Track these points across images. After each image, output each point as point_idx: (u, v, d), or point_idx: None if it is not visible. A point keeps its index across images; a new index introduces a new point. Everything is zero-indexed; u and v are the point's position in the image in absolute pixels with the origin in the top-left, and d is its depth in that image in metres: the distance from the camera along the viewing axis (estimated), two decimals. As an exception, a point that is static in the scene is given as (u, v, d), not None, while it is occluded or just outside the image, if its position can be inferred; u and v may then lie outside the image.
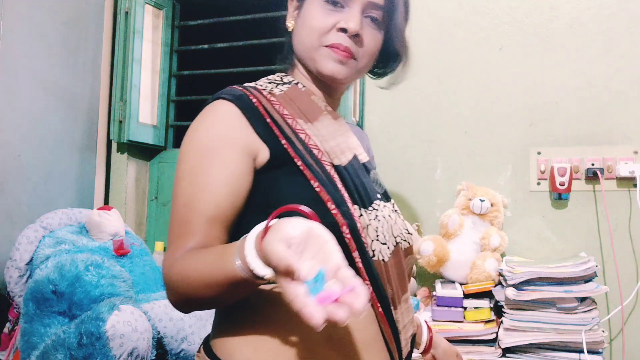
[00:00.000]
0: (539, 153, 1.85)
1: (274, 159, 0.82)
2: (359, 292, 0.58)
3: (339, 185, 0.83)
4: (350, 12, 0.88)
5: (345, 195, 0.83)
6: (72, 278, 1.50)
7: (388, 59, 0.98)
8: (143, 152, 2.39)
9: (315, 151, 0.84)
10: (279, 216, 0.66)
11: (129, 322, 1.40)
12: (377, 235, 0.85)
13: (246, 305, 0.80)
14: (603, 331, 1.44)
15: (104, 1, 2.30)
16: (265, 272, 0.64)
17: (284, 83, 0.93)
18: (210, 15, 2.45)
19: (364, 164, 0.92)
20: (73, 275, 1.50)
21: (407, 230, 0.94)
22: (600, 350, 1.44)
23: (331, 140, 0.88)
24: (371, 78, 1.03)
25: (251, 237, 0.66)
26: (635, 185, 1.74)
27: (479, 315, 1.55)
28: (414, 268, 1.84)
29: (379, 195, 0.91)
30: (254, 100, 0.85)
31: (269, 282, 0.67)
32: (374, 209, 0.87)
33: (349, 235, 0.80)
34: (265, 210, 0.70)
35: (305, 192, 0.80)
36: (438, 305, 1.59)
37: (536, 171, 1.84)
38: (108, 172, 2.31)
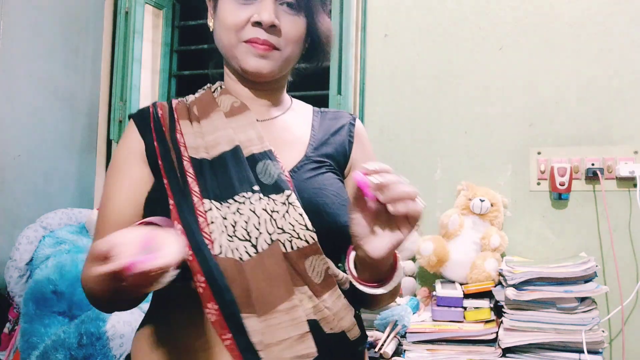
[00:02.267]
0: (539, 153, 1.85)
1: (150, 162, 0.88)
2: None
3: (190, 179, 0.83)
4: (263, 4, 0.86)
5: (195, 188, 0.82)
6: (72, 278, 1.50)
7: (318, 42, 0.95)
8: (143, 152, 2.39)
9: (181, 148, 0.86)
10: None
11: (129, 322, 1.40)
12: (235, 231, 0.80)
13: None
14: (603, 331, 1.44)
15: (104, 1, 2.30)
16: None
17: (205, 89, 0.97)
18: (210, 15, 2.45)
19: (252, 155, 0.86)
20: (73, 275, 1.51)
21: (305, 226, 0.82)
22: (600, 350, 1.44)
23: (209, 135, 0.87)
24: (307, 65, 1.00)
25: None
26: (635, 185, 1.73)
27: (479, 315, 1.55)
28: (414, 268, 1.84)
29: (255, 188, 0.83)
30: (151, 110, 0.92)
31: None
32: (238, 202, 0.82)
33: (180, 230, 0.78)
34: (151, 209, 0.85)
35: (160, 189, 0.84)
36: (438, 305, 1.59)
37: (536, 171, 1.84)
38: (108, 172, 2.31)
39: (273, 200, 0.82)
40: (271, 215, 0.81)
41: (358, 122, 1.03)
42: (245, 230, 0.80)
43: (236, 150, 0.86)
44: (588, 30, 1.83)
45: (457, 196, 1.83)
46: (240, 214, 0.81)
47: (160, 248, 0.63)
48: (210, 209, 0.81)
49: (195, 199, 0.81)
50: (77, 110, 2.20)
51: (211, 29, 0.95)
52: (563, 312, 1.45)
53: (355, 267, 0.84)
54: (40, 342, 1.47)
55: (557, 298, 1.46)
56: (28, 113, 1.97)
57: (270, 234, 0.81)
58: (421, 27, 2.00)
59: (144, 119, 0.91)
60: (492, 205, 1.75)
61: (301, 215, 0.82)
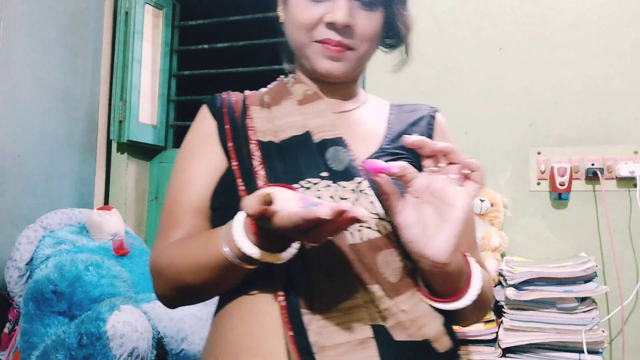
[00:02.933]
0: (539, 153, 1.85)
1: (222, 144, 0.85)
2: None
3: (255, 162, 0.79)
4: (336, 2, 0.80)
5: (260, 172, 0.77)
6: (72, 278, 1.50)
7: (397, 31, 0.90)
8: (143, 152, 2.39)
9: (250, 132, 0.83)
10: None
11: (129, 322, 1.40)
12: None
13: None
14: (603, 331, 1.44)
15: (104, 1, 2.30)
16: (253, 251, 0.64)
17: (280, 80, 0.94)
18: (210, 15, 2.45)
19: (322, 141, 0.80)
20: (73, 275, 1.51)
21: (377, 215, 0.74)
22: (600, 350, 1.44)
23: (279, 120, 0.84)
24: (385, 52, 0.96)
25: (239, 219, 0.66)
26: (635, 185, 1.74)
27: (479, 315, 1.55)
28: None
29: (323, 174, 0.76)
30: (224, 96, 0.90)
31: (255, 266, 0.66)
32: (303, 187, 0.75)
33: None
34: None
35: (230, 172, 0.81)
36: (438, 305, 1.59)
37: (536, 171, 1.84)
38: (108, 172, 2.31)
39: (342, 187, 0.75)
40: (347, 202, 0.74)
41: (439, 114, 0.95)
42: None
43: (306, 136, 0.82)
44: (588, 30, 1.84)
45: (457, 196, 1.82)
46: None
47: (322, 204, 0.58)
48: None
49: (261, 183, 0.76)
50: (77, 110, 2.20)
51: (281, 20, 0.89)
52: (563, 312, 1.45)
53: (424, 282, 0.73)
54: (40, 342, 1.47)
55: (557, 298, 1.46)
56: (28, 113, 1.97)
57: None
58: (421, 27, 1.99)
59: (216, 104, 0.89)
60: (492, 205, 1.75)
61: (372, 203, 0.74)
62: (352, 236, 0.72)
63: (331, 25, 0.80)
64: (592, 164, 1.77)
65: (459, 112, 1.94)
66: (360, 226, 0.72)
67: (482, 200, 1.74)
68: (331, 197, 0.74)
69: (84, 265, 1.53)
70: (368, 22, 0.82)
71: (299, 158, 0.79)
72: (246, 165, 0.79)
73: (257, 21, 2.35)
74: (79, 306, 1.48)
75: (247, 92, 0.92)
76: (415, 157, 0.82)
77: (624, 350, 1.67)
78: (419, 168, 0.74)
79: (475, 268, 0.73)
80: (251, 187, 0.76)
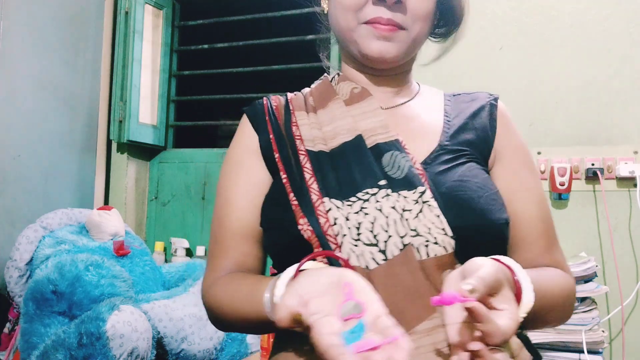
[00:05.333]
0: (539, 153, 1.85)
1: (265, 157, 0.80)
2: (402, 344, 0.51)
3: (307, 174, 0.73)
4: None
5: (313, 185, 0.71)
6: (72, 278, 1.50)
7: (450, 14, 0.85)
8: (143, 152, 2.39)
9: (297, 141, 0.77)
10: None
11: (129, 322, 1.40)
12: (359, 234, 0.67)
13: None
14: (603, 331, 1.44)
15: (104, 1, 2.30)
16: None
17: (324, 78, 0.87)
18: (210, 15, 2.45)
19: (376, 146, 0.75)
20: (73, 275, 1.51)
21: (443, 231, 0.67)
22: (600, 350, 1.44)
23: (327, 125, 0.78)
24: (434, 41, 0.91)
25: (282, 282, 0.62)
26: (635, 185, 1.73)
27: (479, 315, 1.55)
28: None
29: (381, 183, 0.71)
30: (265, 103, 0.84)
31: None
32: (361, 199, 0.70)
33: (309, 232, 0.67)
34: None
35: (279, 186, 0.75)
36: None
37: (536, 171, 1.84)
38: (108, 172, 2.31)
39: (404, 197, 0.70)
40: (402, 215, 0.68)
41: (501, 102, 0.86)
42: (371, 232, 0.67)
43: (358, 141, 0.75)
44: (588, 30, 1.83)
45: (457, 196, 1.82)
46: (365, 213, 0.68)
47: (363, 307, 0.54)
48: (330, 209, 0.69)
49: (314, 197, 0.70)
50: (77, 110, 2.20)
51: (325, 11, 0.84)
52: (563, 312, 1.45)
53: None
54: (40, 342, 1.47)
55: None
56: (28, 113, 1.97)
57: (401, 237, 0.67)
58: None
59: (257, 113, 0.83)
60: (492, 205, 1.75)
61: (438, 217, 0.68)
62: (419, 252, 0.67)
63: (380, 2, 0.74)
64: (592, 164, 1.77)
65: (459, 112, 1.94)
66: (427, 241, 0.67)
67: (482, 200, 1.74)
68: (393, 207, 0.69)
69: (84, 265, 1.53)
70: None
71: (353, 167, 0.73)
72: (297, 179, 0.73)
73: (256, 21, 2.35)
74: (79, 306, 1.48)
75: (289, 95, 0.87)
76: (478, 152, 0.79)
77: (624, 350, 1.67)
78: (481, 161, 0.78)
79: (525, 283, 0.63)
80: (305, 202, 0.70)
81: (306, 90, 0.88)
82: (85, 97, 2.24)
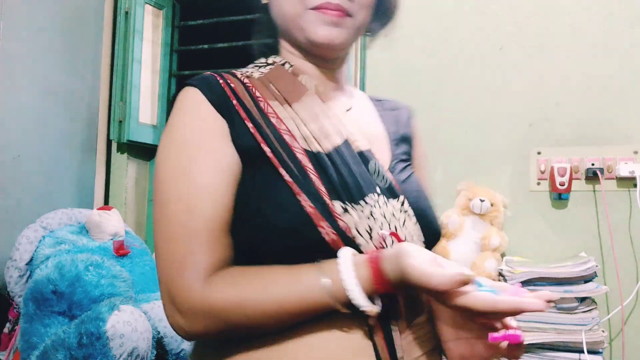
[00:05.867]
0: (539, 153, 1.85)
1: (239, 147, 0.71)
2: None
3: (312, 175, 0.69)
4: None
5: (322, 188, 0.68)
6: (72, 278, 1.50)
7: (384, 7, 0.85)
8: (143, 152, 2.39)
9: (286, 137, 0.71)
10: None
11: (129, 322, 1.40)
12: (371, 239, 0.68)
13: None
14: (603, 331, 1.44)
15: (104, 1, 2.30)
16: (374, 309, 0.62)
17: (267, 65, 0.81)
18: (210, 15, 2.45)
19: (360, 152, 0.75)
20: (73, 275, 1.51)
21: (420, 238, 0.73)
22: (600, 350, 1.44)
23: (312, 123, 0.73)
24: (367, 36, 0.90)
25: (348, 271, 0.61)
26: (635, 185, 1.73)
27: (479, 315, 1.55)
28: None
29: (378, 190, 0.72)
30: (221, 81, 0.74)
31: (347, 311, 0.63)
32: (369, 204, 0.70)
33: (334, 236, 0.66)
34: (247, 203, 0.67)
35: (277, 184, 0.68)
36: (438, 305, 1.59)
37: (536, 171, 1.84)
38: (108, 172, 2.31)
39: (392, 205, 0.72)
40: (397, 222, 0.71)
41: (414, 113, 0.91)
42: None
43: (348, 145, 0.74)
44: (588, 30, 1.83)
45: (457, 196, 1.83)
46: (374, 218, 0.69)
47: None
48: (345, 212, 0.68)
49: (326, 200, 0.67)
50: (77, 110, 2.20)
51: (264, 1, 0.82)
52: (563, 312, 1.45)
53: None
54: (40, 342, 1.47)
55: (557, 298, 1.46)
56: (28, 113, 1.97)
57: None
58: (421, 27, 2.00)
59: (217, 93, 0.73)
60: (492, 205, 1.75)
61: (415, 224, 0.73)
62: None
63: None
64: (592, 164, 1.77)
65: (459, 112, 1.94)
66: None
67: (482, 200, 1.74)
68: (392, 214, 0.71)
69: (84, 265, 1.53)
70: None
71: (354, 171, 0.71)
72: (300, 179, 0.68)
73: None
74: (79, 306, 1.48)
75: (236, 76, 0.78)
76: (411, 162, 0.86)
77: (624, 350, 1.67)
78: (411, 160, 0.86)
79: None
80: (320, 205, 0.67)
81: (248, 72, 0.80)
82: (85, 97, 2.24)
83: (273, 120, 0.73)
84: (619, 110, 1.79)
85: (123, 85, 2.24)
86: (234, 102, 0.73)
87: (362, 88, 2.04)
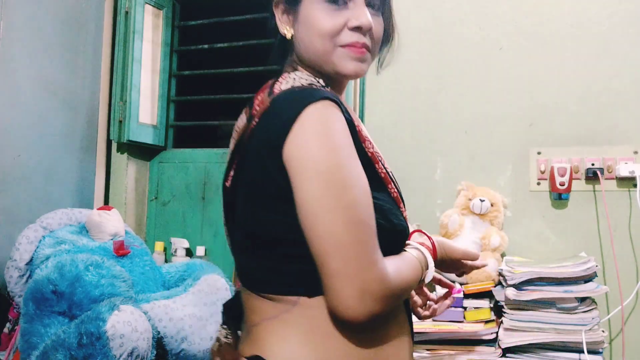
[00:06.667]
0: (539, 153, 1.85)
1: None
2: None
3: (394, 193, 0.89)
4: (357, 8, 0.85)
5: (401, 204, 0.91)
6: (72, 278, 1.50)
7: (387, 34, 0.97)
8: (143, 152, 2.39)
9: (377, 157, 0.88)
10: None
11: (129, 322, 1.40)
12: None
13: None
14: (603, 331, 1.44)
15: (104, 1, 2.30)
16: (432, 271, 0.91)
17: (323, 86, 0.88)
18: (210, 15, 2.45)
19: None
20: (73, 275, 1.50)
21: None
22: (600, 350, 1.44)
23: (372, 147, 0.89)
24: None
25: (427, 253, 0.89)
26: (635, 185, 1.73)
27: (479, 315, 1.55)
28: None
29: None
30: (335, 99, 0.81)
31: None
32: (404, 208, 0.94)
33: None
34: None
35: (388, 198, 0.87)
36: (438, 305, 1.59)
37: (536, 171, 1.84)
38: (108, 172, 2.31)
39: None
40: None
41: None
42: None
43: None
44: (588, 30, 1.84)
45: (457, 196, 1.83)
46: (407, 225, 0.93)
47: None
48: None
49: (402, 207, 0.91)
50: (77, 110, 2.20)
51: (288, 37, 0.90)
52: (563, 312, 1.45)
53: None
54: (40, 342, 1.47)
55: (557, 298, 1.46)
56: (28, 113, 1.97)
57: None
58: (421, 27, 2.00)
59: (339, 102, 0.81)
60: (492, 205, 1.75)
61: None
62: None
63: (357, 29, 0.85)
64: (592, 164, 1.77)
65: (459, 112, 1.94)
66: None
67: (482, 200, 1.74)
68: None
69: (84, 265, 1.53)
70: (378, 25, 0.90)
71: (398, 184, 0.94)
72: (396, 193, 0.90)
73: (256, 21, 2.35)
74: (79, 306, 1.48)
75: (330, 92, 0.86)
76: None
77: (624, 350, 1.67)
78: None
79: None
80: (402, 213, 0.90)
81: (327, 90, 0.86)
82: (85, 97, 2.24)
83: (366, 142, 0.86)
84: (619, 110, 1.79)
85: (123, 85, 2.24)
86: (355, 121, 0.84)
87: (362, 88, 2.04)
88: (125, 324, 1.39)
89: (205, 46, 2.44)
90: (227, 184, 0.86)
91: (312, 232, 0.73)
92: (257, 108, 0.82)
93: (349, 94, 1.98)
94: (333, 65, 0.87)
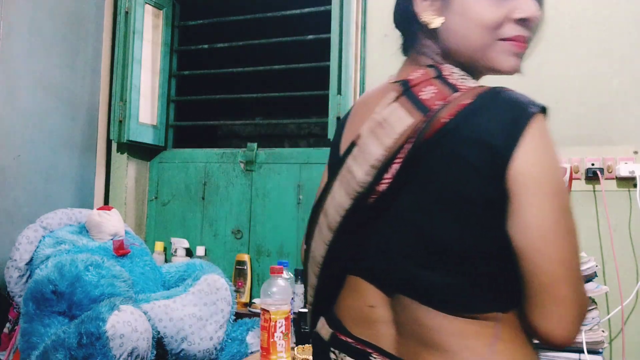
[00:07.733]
0: (539, 153, 1.85)
1: None
2: None
3: None
4: None
5: None
6: (72, 278, 1.50)
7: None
8: (143, 152, 2.39)
9: None
10: None
11: (129, 322, 1.40)
12: None
13: None
14: (603, 331, 1.44)
15: (104, 1, 2.30)
16: None
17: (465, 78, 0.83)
18: (210, 15, 2.45)
19: None
20: (73, 275, 1.51)
21: None
22: (600, 350, 1.44)
23: None
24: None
25: None
26: (635, 185, 1.73)
27: (479, 315, 1.55)
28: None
29: None
30: None
31: None
32: None
33: None
34: None
35: None
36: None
37: (536, 171, 1.84)
38: (108, 172, 2.31)
39: None
40: None
41: None
42: None
43: None
44: (588, 30, 1.83)
45: (457, 196, 1.82)
46: None
47: None
48: None
49: None
50: (77, 110, 2.20)
51: (432, 26, 0.79)
52: (563, 312, 1.45)
53: None
54: (40, 342, 1.47)
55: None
56: (28, 113, 1.98)
57: None
58: (421, 27, 2.00)
59: None
60: (492, 205, 1.75)
61: None
62: None
63: (522, 22, 0.79)
64: (592, 164, 1.77)
65: (459, 112, 1.94)
66: None
67: (482, 200, 1.74)
68: None
69: (84, 265, 1.53)
70: (540, 14, 0.82)
71: None
72: None
73: (256, 21, 2.35)
74: (79, 306, 1.48)
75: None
76: None
77: (624, 350, 1.67)
78: None
79: None
80: None
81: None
82: (85, 97, 2.24)
83: None
84: (619, 110, 1.79)
85: (123, 85, 2.24)
86: None
87: (362, 89, 2.04)
88: (125, 324, 1.40)
89: (205, 46, 2.44)
90: (379, 188, 0.72)
91: (542, 255, 0.68)
92: (437, 102, 0.73)
93: (349, 93, 1.98)
94: (490, 60, 0.80)
